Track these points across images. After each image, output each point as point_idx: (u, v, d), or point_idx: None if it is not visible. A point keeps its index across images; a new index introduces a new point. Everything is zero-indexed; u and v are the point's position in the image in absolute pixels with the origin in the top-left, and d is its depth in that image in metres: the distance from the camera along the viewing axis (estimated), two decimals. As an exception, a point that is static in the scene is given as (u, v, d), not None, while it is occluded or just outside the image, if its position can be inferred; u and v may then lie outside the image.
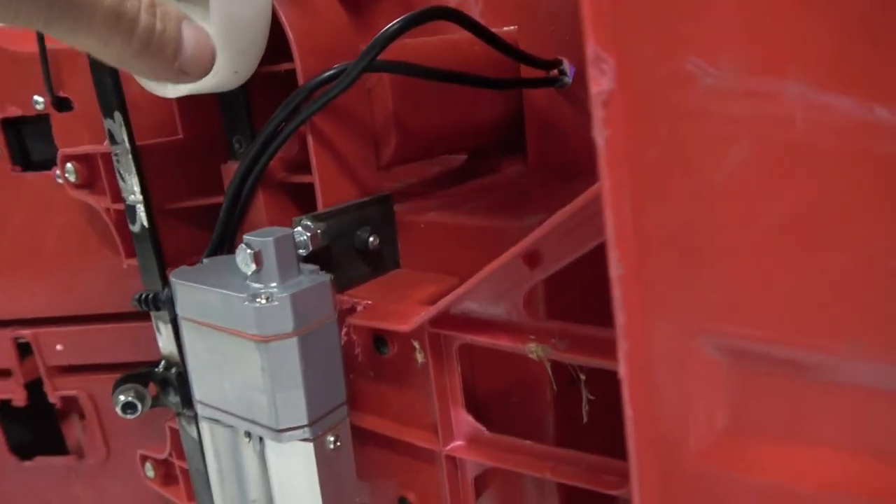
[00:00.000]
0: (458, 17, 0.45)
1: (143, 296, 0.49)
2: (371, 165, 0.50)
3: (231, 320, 0.40)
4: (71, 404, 0.74)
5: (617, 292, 0.20)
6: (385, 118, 0.50)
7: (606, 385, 0.40)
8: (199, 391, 0.45)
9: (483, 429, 0.43)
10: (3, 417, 0.75)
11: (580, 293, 0.48)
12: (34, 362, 0.71)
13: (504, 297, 0.39)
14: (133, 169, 0.51)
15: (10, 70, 0.63)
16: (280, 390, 0.40)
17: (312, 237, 0.43)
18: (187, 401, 0.56)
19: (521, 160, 0.65)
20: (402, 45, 0.51)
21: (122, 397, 0.55)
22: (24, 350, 0.72)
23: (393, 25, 0.41)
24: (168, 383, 0.56)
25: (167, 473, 0.69)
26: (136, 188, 0.52)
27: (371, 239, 0.48)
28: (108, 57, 0.34)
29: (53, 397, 0.72)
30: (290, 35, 0.44)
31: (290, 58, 0.45)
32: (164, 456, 0.65)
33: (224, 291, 0.40)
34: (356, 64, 0.41)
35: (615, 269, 0.20)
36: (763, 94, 0.17)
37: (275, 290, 0.40)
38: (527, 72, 0.57)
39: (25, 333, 0.70)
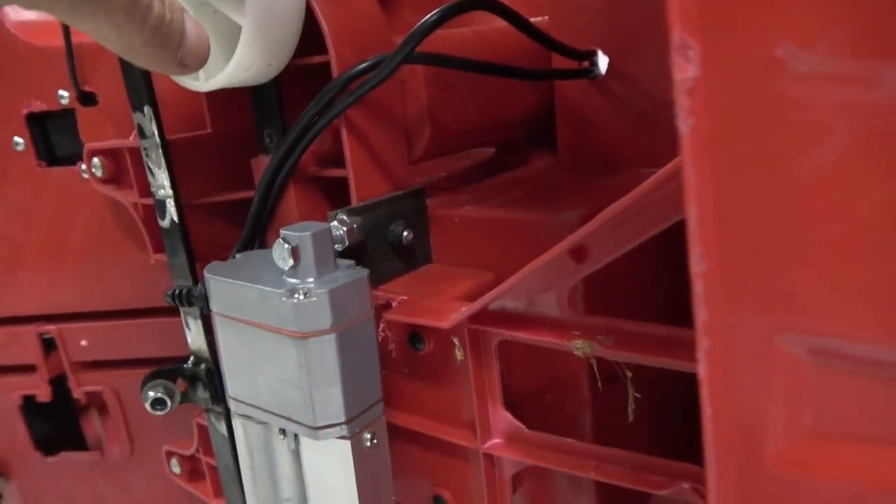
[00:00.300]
0: (496, 7, 0.44)
1: (177, 291, 0.48)
2: (404, 159, 0.49)
3: (268, 316, 0.40)
4: (95, 400, 0.74)
5: (698, 288, 0.19)
6: (418, 111, 0.49)
7: (646, 383, 0.40)
8: (232, 387, 0.44)
9: (522, 426, 0.42)
10: (27, 413, 0.75)
11: (623, 287, 0.48)
12: (59, 358, 0.71)
13: (547, 292, 0.38)
14: (163, 163, 0.50)
15: (35, 65, 0.62)
16: (317, 387, 0.39)
17: (349, 232, 0.43)
18: (217, 397, 0.55)
19: (550, 154, 0.64)
20: (434, 37, 0.50)
21: (151, 393, 0.55)
22: (48, 345, 0.72)
23: (433, 16, 0.40)
24: (197, 379, 0.56)
25: (193, 469, 0.68)
26: (166, 182, 0.51)
27: (405, 233, 0.47)
28: (119, 44, 0.34)
29: (78, 393, 0.72)
30: (325, 26, 0.43)
31: (323, 50, 0.45)
32: (190, 452, 0.65)
33: (261, 287, 0.39)
34: (395, 55, 0.40)
35: (697, 265, 0.19)
36: (863, 80, 0.16)
37: (312, 285, 0.39)
38: (558, 63, 0.56)
39: (50, 329, 0.70)
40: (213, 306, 0.43)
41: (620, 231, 0.33)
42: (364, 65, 0.43)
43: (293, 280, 0.40)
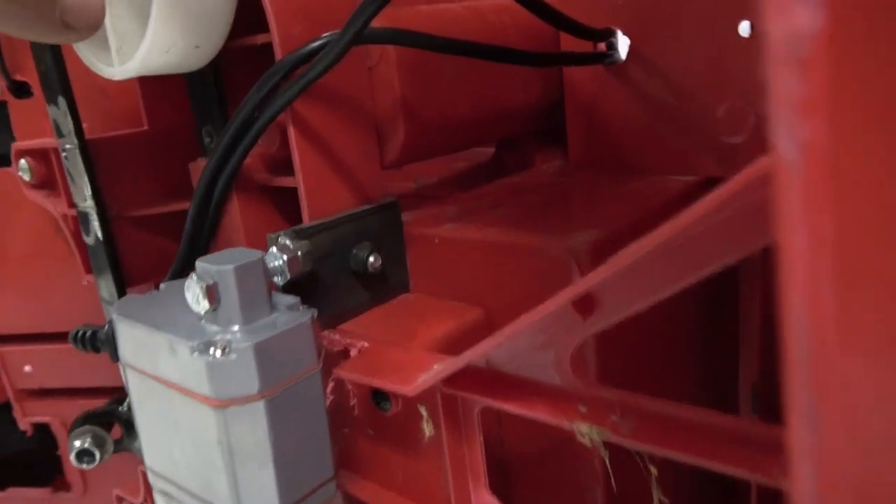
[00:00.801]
0: (484, -29, 0.34)
1: (80, 332, 0.39)
2: (372, 164, 0.39)
3: (179, 375, 0.30)
4: (45, 432, 0.66)
5: (798, 356, 0.09)
6: (390, 104, 0.39)
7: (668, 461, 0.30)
8: (149, 457, 0.35)
9: (513, 515, 0.33)
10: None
11: (644, 350, 0.38)
12: (2, 384, 0.63)
13: (544, 351, 0.28)
14: (82, 169, 0.41)
15: (-41, 50, 0.54)
16: (243, 469, 0.30)
17: (291, 261, 0.33)
18: (157, 446, 0.46)
19: (560, 153, 0.54)
20: (413, 12, 0.41)
21: (77, 443, 0.45)
22: (-10, 370, 0.63)
23: (393, -23, 0.30)
24: (134, 426, 0.47)
25: (147, 516, 0.60)
26: (87, 191, 0.42)
27: (371, 259, 0.37)
28: None
29: (24, 424, 0.64)
30: (264, -5, 0.34)
31: (268, 27, 0.35)
32: (139, 501, 0.57)
33: (170, 336, 0.30)
34: (344, 32, 0.31)
35: (798, 318, 0.09)
36: None
37: (236, 334, 0.30)
38: (568, 46, 0.46)
39: (-10, 352, 0.62)
40: (122, 355, 0.34)
41: (644, 279, 0.23)
42: (313, 45, 0.34)
43: (213, 327, 0.30)
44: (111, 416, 0.47)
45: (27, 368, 0.62)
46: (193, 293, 0.30)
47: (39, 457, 0.68)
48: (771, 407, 0.51)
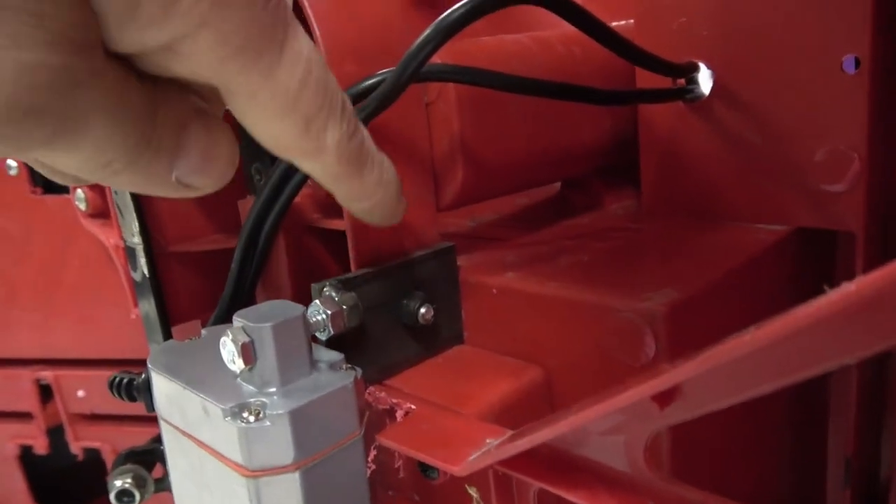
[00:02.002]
0: (559, 4, 0.30)
1: (117, 380, 0.37)
2: (428, 207, 0.37)
3: (212, 437, 0.28)
4: (96, 455, 0.65)
5: None
6: (448, 143, 0.36)
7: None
8: (181, 514, 0.33)
9: None
10: (26, 464, 0.67)
11: (725, 424, 0.34)
12: (56, 407, 0.63)
13: (614, 435, 0.25)
14: (131, 204, 0.40)
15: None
16: (275, 543, 0.27)
17: (334, 316, 0.31)
18: (198, 489, 0.45)
19: (631, 192, 0.50)
20: (475, 45, 0.38)
21: (117, 483, 0.44)
22: (46, 393, 0.64)
23: (455, 10, 0.28)
24: (175, 466, 0.46)
25: (190, 551, 0.58)
26: (135, 227, 0.41)
27: (423, 311, 0.35)
28: (79, 172, 0.21)
29: (76, 447, 0.63)
30: (317, 31, 0.32)
31: (321, 62, 0.33)
32: (182, 536, 0.55)
33: (203, 397, 0.28)
34: (401, 69, 0.28)
35: None
36: None
37: (273, 397, 0.27)
38: (644, 79, 0.42)
39: (46, 375, 0.62)
40: (158, 408, 0.32)
41: (738, 377, 0.19)
42: (368, 82, 0.31)
43: (248, 387, 0.28)
44: (153, 455, 0.46)
45: (80, 393, 0.61)
46: (229, 351, 0.27)
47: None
48: (866, 482, 0.45)
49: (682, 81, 0.41)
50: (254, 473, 0.27)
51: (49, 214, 0.58)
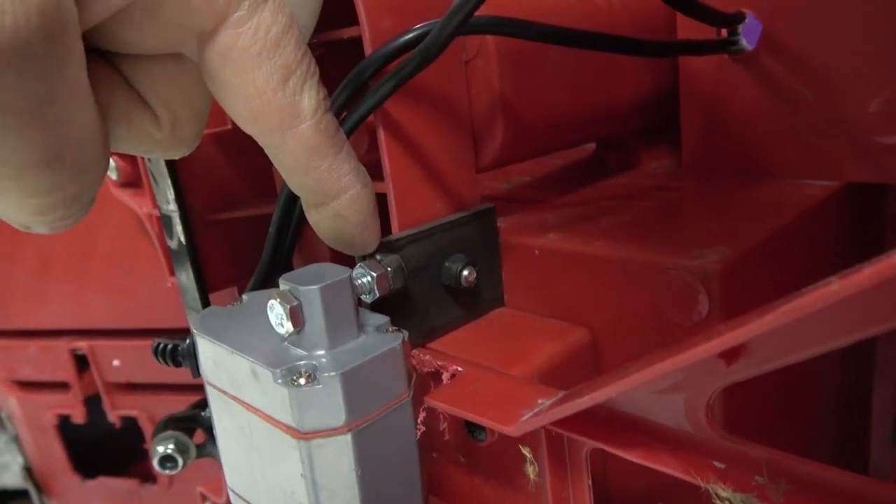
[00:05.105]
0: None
1: (161, 346, 0.38)
2: (467, 167, 0.36)
3: (262, 401, 0.28)
4: (134, 424, 0.66)
5: None
6: (488, 101, 0.36)
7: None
8: (230, 477, 0.33)
9: (624, 569, 0.29)
10: (64, 434, 0.68)
11: (773, 400, 0.33)
12: (92, 376, 0.64)
13: (673, 394, 0.24)
14: (165, 171, 0.40)
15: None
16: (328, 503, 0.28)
17: (379, 279, 0.30)
18: (239, 454, 0.45)
19: (668, 152, 0.49)
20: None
21: (160, 448, 0.45)
22: (81, 363, 0.64)
23: (502, -40, 0.27)
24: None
25: (229, 515, 0.59)
26: (170, 195, 0.41)
27: (465, 273, 0.34)
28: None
29: (113, 416, 0.64)
30: (355, -15, 0.31)
31: (356, 20, 0.32)
32: (222, 501, 0.56)
33: (252, 360, 0.28)
34: (446, 21, 0.27)
35: None
36: None
37: (321, 360, 0.27)
38: (684, 32, 0.41)
39: (82, 345, 0.63)
40: (203, 373, 0.32)
41: (807, 332, 0.18)
42: (407, 37, 0.30)
43: (297, 350, 0.28)
44: (193, 422, 0.46)
45: (116, 363, 0.62)
46: (277, 314, 0.27)
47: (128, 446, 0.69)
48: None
49: (725, 32, 0.39)
50: (305, 436, 0.27)
51: (79, 185, 0.58)
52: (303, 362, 0.27)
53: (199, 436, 0.47)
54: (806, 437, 0.41)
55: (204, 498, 0.59)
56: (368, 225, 0.28)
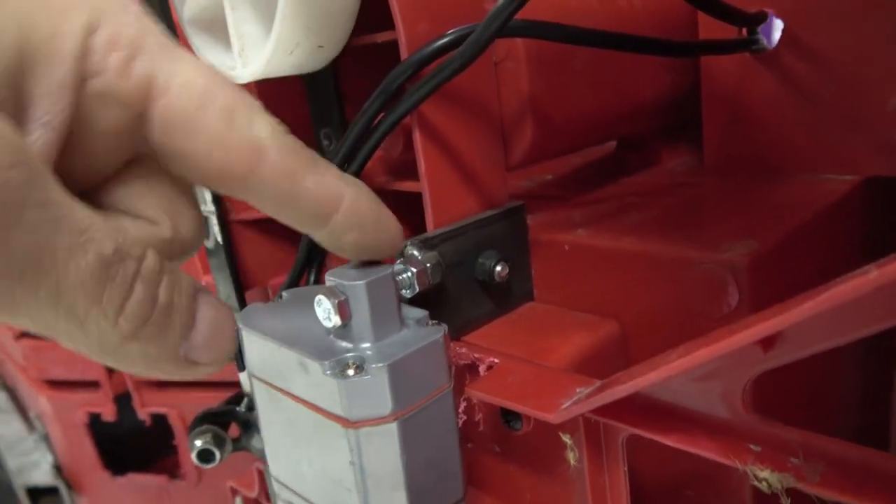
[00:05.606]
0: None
1: (206, 341, 0.39)
2: (498, 167, 0.37)
3: (310, 392, 0.29)
4: (163, 422, 0.68)
5: None
6: (518, 102, 0.37)
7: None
8: (274, 467, 0.34)
9: (659, 551, 0.30)
10: (95, 431, 0.70)
11: (805, 395, 0.34)
12: (122, 375, 0.65)
13: (709, 381, 0.25)
14: (203, 172, 0.41)
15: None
16: (375, 491, 0.29)
17: (419, 274, 0.31)
18: (273, 447, 0.46)
19: (688, 149, 0.50)
20: (539, 3, 0.38)
21: (198, 443, 0.46)
22: (112, 361, 0.66)
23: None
24: (251, 425, 0.47)
25: (259, 510, 0.61)
26: (208, 196, 0.42)
27: (498, 268, 0.35)
28: (85, 345, 0.21)
29: (143, 413, 0.66)
30: (392, -8, 0.32)
31: (390, 24, 0.33)
32: (254, 494, 0.57)
33: (299, 353, 0.29)
34: (487, 24, 0.28)
35: None
36: None
37: (367, 352, 0.28)
38: (707, 33, 0.42)
39: (112, 343, 0.64)
40: (249, 366, 0.33)
41: (846, 319, 0.19)
42: (443, 41, 0.31)
43: (343, 343, 0.29)
44: (229, 416, 0.48)
45: (146, 361, 0.63)
46: (325, 309, 0.28)
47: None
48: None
49: (745, 32, 0.40)
50: (354, 424, 0.28)
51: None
52: (350, 354, 0.28)
53: (234, 430, 0.48)
54: (826, 431, 0.42)
55: (234, 492, 0.60)
56: (383, 220, 0.27)
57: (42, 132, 0.19)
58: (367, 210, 0.26)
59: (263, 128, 0.23)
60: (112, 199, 0.22)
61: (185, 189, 0.24)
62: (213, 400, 0.51)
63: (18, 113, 0.19)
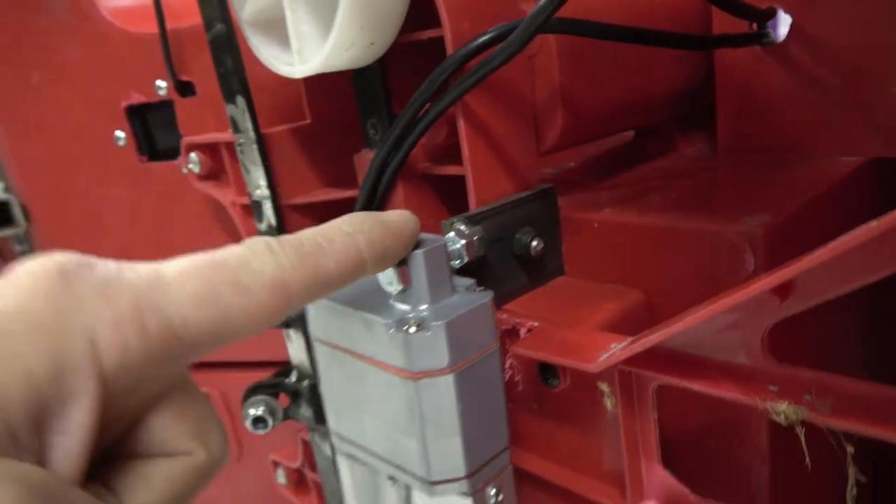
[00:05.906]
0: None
1: (272, 311, 0.43)
2: (531, 151, 0.41)
3: (373, 349, 0.33)
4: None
5: None
6: (550, 93, 0.40)
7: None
8: (335, 423, 0.38)
9: (686, 490, 0.34)
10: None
11: (825, 330, 0.38)
12: (166, 357, 0.69)
13: (729, 332, 0.29)
14: (259, 160, 0.45)
15: (133, 53, 0.59)
16: (433, 437, 0.32)
17: (468, 245, 0.35)
18: (321, 416, 0.50)
19: (702, 136, 0.54)
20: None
21: (252, 411, 0.50)
22: (156, 345, 0.69)
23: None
24: (299, 395, 0.51)
25: (300, 481, 0.65)
26: (263, 182, 0.46)
27: (534, 243, 0.39)
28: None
29: (186, 393, 0.69)
30: (439, -6, 0.36)
31: (436, 23, 0.37)
32: (296, 465, 0.61)
33: (364, 315, 0.33)
34: (530, 21, 0.32)
35: None
36: None
37: (426, 314, 0.32)
38: (720, 28, 0.46)
39: (157, 328, 0.68)
40: (312, 331, 0.37)
41: (851, 267, 0.23)
42: (485, 37, 0.35)
43: (403, 306, 0.33)
44: (279, 388, 0.51)
45: (189, 344, 0.67)
46: (387, 275, 0.32)
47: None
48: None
49: (755, 27, 0.44)
50: (415, 375, 0.31)
51: (156, 179, 0.63)
52: (411, 315, 0.32)
53: (283, 400, 0.52)
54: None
55: (276, 465, 0.64)
56: (395, 230, 0.29)
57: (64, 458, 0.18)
58: (382, 238, 0.27)
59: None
60: (144, 444, 0.21)
61: (205, 403, 0.24)
62: (253, 379, 0.54)
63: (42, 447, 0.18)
